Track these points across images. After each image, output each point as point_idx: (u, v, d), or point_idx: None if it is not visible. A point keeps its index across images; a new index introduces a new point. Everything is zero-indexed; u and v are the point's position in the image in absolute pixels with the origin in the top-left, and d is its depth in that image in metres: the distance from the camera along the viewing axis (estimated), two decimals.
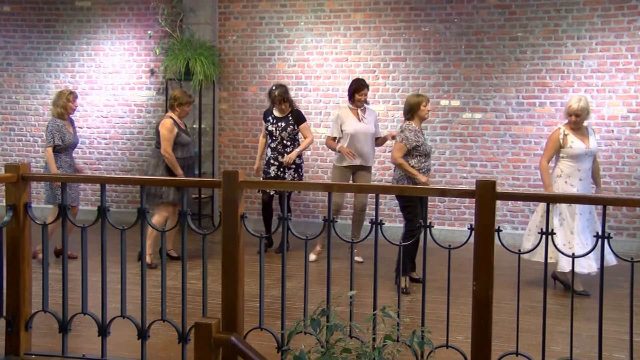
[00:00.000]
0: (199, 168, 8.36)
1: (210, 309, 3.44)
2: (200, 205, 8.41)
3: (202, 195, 8.46)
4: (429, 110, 5.80)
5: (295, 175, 6.97)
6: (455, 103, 7.86)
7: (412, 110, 5.74)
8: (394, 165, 5.79)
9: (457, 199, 7.76)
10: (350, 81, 7.05)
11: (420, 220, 3.10)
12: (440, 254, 3.27)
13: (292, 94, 8.36)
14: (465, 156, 7.85)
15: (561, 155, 5.56)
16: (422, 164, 5.70)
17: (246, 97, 8.49)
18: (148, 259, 6.02)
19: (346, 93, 6.97)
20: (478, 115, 7.79)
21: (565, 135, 5.52)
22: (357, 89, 6.57)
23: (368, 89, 6.70)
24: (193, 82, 8.09)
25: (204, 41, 8.30)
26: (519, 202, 7.58)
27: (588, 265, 5.36)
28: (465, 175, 7.84)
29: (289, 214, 3.23)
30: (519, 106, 7.66)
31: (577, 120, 5.52)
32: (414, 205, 5.57)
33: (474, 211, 2.89)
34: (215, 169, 8.62)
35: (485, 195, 2.85)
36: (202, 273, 3.36)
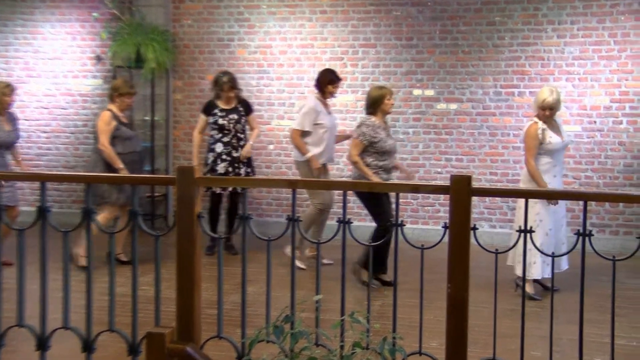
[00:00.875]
0: (152, 164, 8.29)
1: (164, 317, 3.42)
2: (154, 205, 8.34)
3: (156, 194, 8.39)
4: (392, 104, 5.83)
5: (249, 170, 7.03)
6: (429, 93, 7.94)
7: (374, 104, 5.77)
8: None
9: (431, 195, 7.85)
10: (318, 70, 7.08)
11: (391, 219, 3.13)
12: (412, 254, 3.30)
13: (253, 83, 8.36)
14: (440, 150, 7.94)
15: (539, 152, 5.63)
16: (381, 163, 5.71)
17: (203, 86, 8.44)
18: (82, 261, 5.90)
19: (312, 82, 6.99)
20: (453, 106, 7.88)
21: (543, 130, 5.60)
22: (333, 81, 6.66)
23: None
24: (144, 70, 8.00)
25: (156, 25, 8.22)
26: (496, 199, 7.70)
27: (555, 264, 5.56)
28: (439, 170, 7.93)
29: (250, 213, 3.22)
30: (497, 96, 7.77)
31: (551, 114, 5.63)
32: (377, 203, 5.62)
33: (448, 208, 2.93)
34: (170, 165, 8.55)
35: (461, 191, 2.89)
36: (155, 278, 3.34)
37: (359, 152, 5.67)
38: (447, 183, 2.91)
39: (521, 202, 5.67)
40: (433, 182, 7.62)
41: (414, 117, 7.99)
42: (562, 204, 5.70)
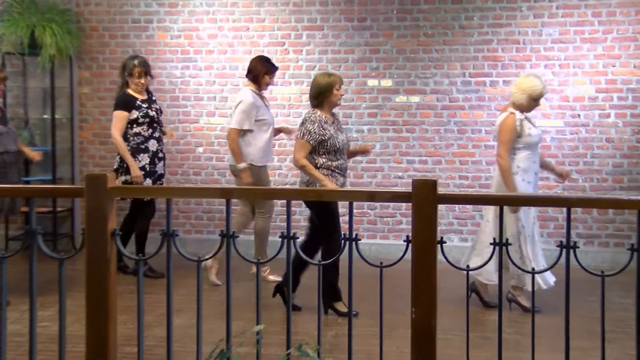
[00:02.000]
0: (53, 172, 8.13)
1: (70, 358, 3.36)
2: (56, 222, 8.18)
3: (59, 208, 8.23)
4: (342, 95, 5.86)
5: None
6: (387, 83, 8.01)
7: (321, 95, 5.77)
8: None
9: (391, 204, 7.91)
10: (253, 56, 7.07)
11: (344, 233, 3.14)
12: (370, 274, 3.32)
13: (176, 73, 8.30)
14: (400, 150, 8.02)
15: (517, 146, 5.79)
16: (334, 163, 5.72)
17: (116, 77, 8.32)
18: None
19: (239, 72, 7.00)
20: (415, 99, 7.97)
21: (522, 120, 5.76)
22: (270, 71, 6.77)
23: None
24: (41, 57, 7.85)
25: (54, 3, 8.08)
26: (467, 207, 7.81)
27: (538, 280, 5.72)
28: (400, 174, 8.01)
29: (175, 229, 3.20)
30: (466, 86, 7.89)
31: (540, 104, 5.91)
32: (330, 216, 5.64)
33: (410, 219, 2.96)
34: (76, 173, 8.41)
35: (425, 199, 2.92)
36: (58, 311, 3.28)
37: (305, 154, 5.66)
38: (409, 189, 2.94)
39: (492, 209, 5.81)
40: (393, 189, 7.68)
41: (369, 112, 8.05)
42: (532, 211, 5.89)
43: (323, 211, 5.66)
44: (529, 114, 5.90)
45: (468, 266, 3.16)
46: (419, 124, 7.99)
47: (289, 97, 8.14)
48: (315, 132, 5.64)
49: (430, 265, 2.92)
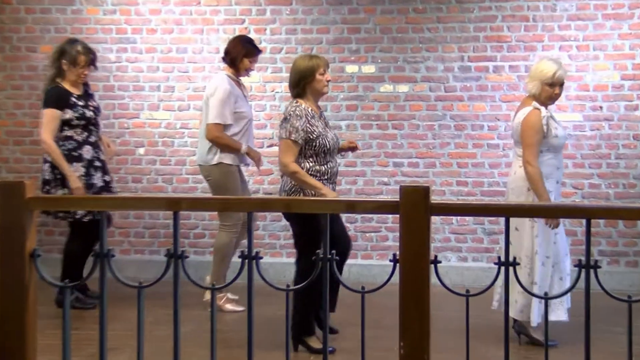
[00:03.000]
0: None
1: None
2: None
3: None
4: (328, 81, 5.86)
5: (109, 180, 7.07)
6: (369, 69, 8.04)
7: (301, 81, 5.77)
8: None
9: (374, 216, 7.92)
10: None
11: (318, 251, 3.14)
12: (351, 301, 3.32)
13: (111, 57, 8.25)
14: (386, 150, 8.04)
15: (541, 148, 5.80)
16: (322, 167, 5.72)
17: (35, 62, 8.28)
18: None
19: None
20: (403, 88, 8.01)
21: (548, 118, 5.79)
22: (250, 53, 6.84)
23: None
24: None
25: None
26: (467, 219, 7.85)
27: (555, 310, 5.72)
28: (385, 179, 8.03)
29: (110, 248, 3.18)
30: (465, 72, 7.94)
31: (560, 93, 5.93)
32: (314, 232, 5.58)
33: (398, 234, 2.96)
34: None
35: (415, 209, 2.92)
36: None
37: (294, 156, 5.63)
38: (396, 198, 2.95)
39: (517, 223, 5.81)
40: (377, 198, 7.70)
41: (347, 104, 8.07)
42: (561, 222, 5.89)
43: (306, 226, 5.60)
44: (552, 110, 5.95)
45: (468, 291, 3.17)
46: (408, 118, 8.02)
47: (250, 87, 8.11)
48: (301, 129, 5.61)
49: (422, 290, 2.93)
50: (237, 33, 8.00)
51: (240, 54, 6.80)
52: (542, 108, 5.80)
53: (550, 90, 5.84)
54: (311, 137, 5.63)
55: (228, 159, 6.74)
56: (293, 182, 5.68)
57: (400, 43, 7.99)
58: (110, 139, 8.14)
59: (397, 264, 2.95)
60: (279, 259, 7.93)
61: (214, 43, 8.09)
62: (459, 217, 7.83)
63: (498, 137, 7.83)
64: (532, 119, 5.79)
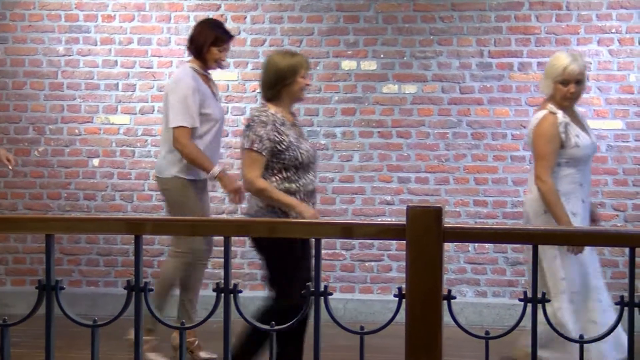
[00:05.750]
0: None
1: None
2: None
3: None
4: (308, 85, 5.85)
5: None
6: (369, 66, 8.06)
7: (279, 83, 5.76)
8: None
9: (375, 242, 7.92)
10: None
11: (308, 284, 3.15)
12: (347, 343, 3.32)
13: (59, 49, 8.25)
14: (389, 163, 8.05)
15: (559, 160, 5.81)
16: (295, 185, 5.71)
17: None
18: None
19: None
20: (411, 88, 8.02)
21: (566, 124, 5.78)
22: (219, 40, 6.68)
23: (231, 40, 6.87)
24: None
25: None
26: (486, 246, 7.86)
27: (598, 356, 5.71)
28: (389, 198, 8.04)
29: (59, 279, 3.19)
30: (484, 70, 7.96)
31: (576, 94, 5.84)
32: (288, 262, 5.57)
33: (405, 264, 2.98)
34: None
35: (425, 234, 2.94)
36: None
37: (260, 170, 5.62)
38: (402, 220, 2.96)
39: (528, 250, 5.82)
40: (378, 220, 7.71)
41: (343, 107, 8.08)
42: (593, 250, 5.87)
43: (276, 254, 5.59)
44: (578, 113, 5.93)
45: (487, 332, 3.18)
46: (417, 125, 8.03)
47: (226, 86, 8.14)
48: (266, 138, 5.60)
49: (433, 331, 2.94)
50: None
51: (207, 41, 6.62)
52: (559, 112, 5.78)
53: (564, 89, 5.77)
54: (279, 148, 5.57)
55: (191, 171, 6.65)
56: (260, 205, 5.63)
57: (407, 34, 8.01)
58: (59, 147, 8.16)
59: (403, 300, 2.97)
60: (261, 293, 7.92)
61: (183, 33, 8.05)
62: (476, 244, 7.83)
63: (524, 147, 7.82)
64: (544, 126, 5.79)
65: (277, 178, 5.64)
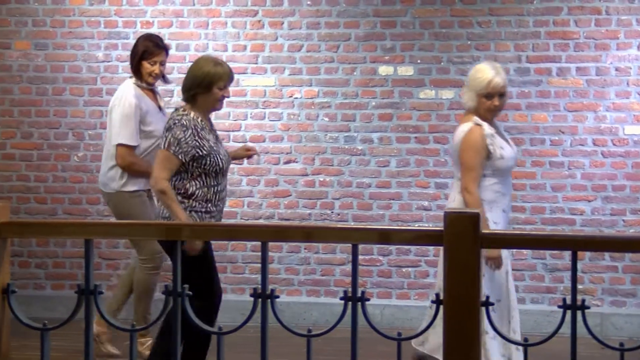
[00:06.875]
0: None
1: None
2: None
3: None
4: (226, 98, 5.83)
5: None
6: (406, 71, 8.05)
7: (193, 89, 5.72)
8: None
9: (413, 247, 7.92)
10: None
11: (345, 290, 3.16)
12: (383, 349, 3.33)
13: (99, 55, 8.30)
14: (426, 169, 8.04)
15: (484, 172, 5.84)
16: (212, 191, 5.69)
17: (8, 60, 8.35)
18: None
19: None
20: (448, 94, 8.01)
21: (492, 136, 5.81)
22: (149, 52, 6.69)
23: (167, 53, 6.85)
24: None
25: None
26: (524, 252, 7.82)
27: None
28: (426, 203, 8.02)
29: (10, 282, 3.21)
30: (522, 75, 7.94)
31: (501, 104, 5.90)
32: (197, 263, 5.48)
33: (442, 270, 2.98)
34: None
35: (462, 240, 2.94)
36: None
37: (169, 173, 5.60)
38: (440, 226, 2.97)
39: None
40: (415, 226, 7.70)
41: (380, 113, 8.08)
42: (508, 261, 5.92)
43: (194, 269, 5.41)
44: (497, 124, 5.99)
45: (526, 339, 3.18)
46: (454, 130, 7.99)
47: (263, 91, 8.15)
48: (184, 141, 5.58)
49: (471, 338, 2.94)
50: (249, 27, 8.03)
51: (137, 56, 6.68)
52: (485, 124, 5.81)
53: (487, 102, 5.80)
54: (200, 153, 5.55)
55: (132, 184, 6.68)
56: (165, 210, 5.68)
57: (444, 40, 8.00)
58: (98, 152, 8.20)
59: (441, 306, 2.97)
60: (298, 298, 7.94)
61: (220, 39, 8.11)
62: (514, 250, 7.81)
63: (562, 153, 7.81)
64: (472, 138, 5.80)
65: (196, 183, 5.64)
